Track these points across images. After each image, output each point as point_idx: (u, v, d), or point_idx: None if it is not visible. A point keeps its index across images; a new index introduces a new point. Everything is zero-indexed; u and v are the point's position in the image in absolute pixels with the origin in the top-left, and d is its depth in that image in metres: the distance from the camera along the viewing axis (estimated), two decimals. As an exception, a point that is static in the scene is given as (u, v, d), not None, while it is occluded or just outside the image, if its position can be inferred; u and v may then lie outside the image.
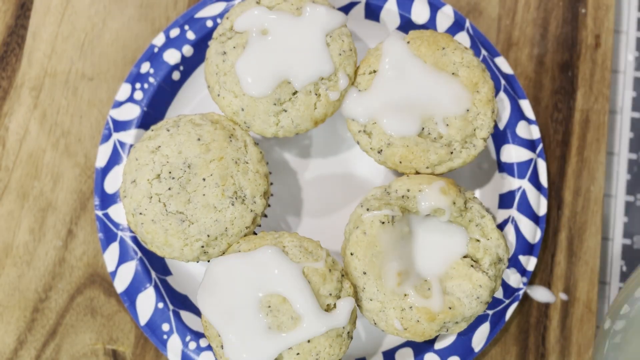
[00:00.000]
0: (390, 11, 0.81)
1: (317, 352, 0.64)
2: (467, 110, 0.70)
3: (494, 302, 0.75)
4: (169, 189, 0.68)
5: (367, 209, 0.68)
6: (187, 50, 0.80)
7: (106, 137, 0.78)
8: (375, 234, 0.67)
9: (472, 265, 0.69)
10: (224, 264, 0.66)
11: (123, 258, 0.76)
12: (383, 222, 0.67)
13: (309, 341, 0.64)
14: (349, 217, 0.71)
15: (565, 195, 0.82)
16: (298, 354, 0.64)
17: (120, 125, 0.78)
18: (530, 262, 0.76)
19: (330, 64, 0.71)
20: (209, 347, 0.74)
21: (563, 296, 0.80)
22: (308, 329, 0.63)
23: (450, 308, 0.67)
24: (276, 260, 0.64)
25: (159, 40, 0.80)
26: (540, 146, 0.79)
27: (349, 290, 0.67)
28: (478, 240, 0.70)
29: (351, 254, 0.68)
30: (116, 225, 0.77)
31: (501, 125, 0.79)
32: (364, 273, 0.67)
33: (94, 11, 0.85)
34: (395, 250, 0.68)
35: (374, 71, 0.72)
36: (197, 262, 0.72)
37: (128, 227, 0.76)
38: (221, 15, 0.79)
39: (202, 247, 0.68)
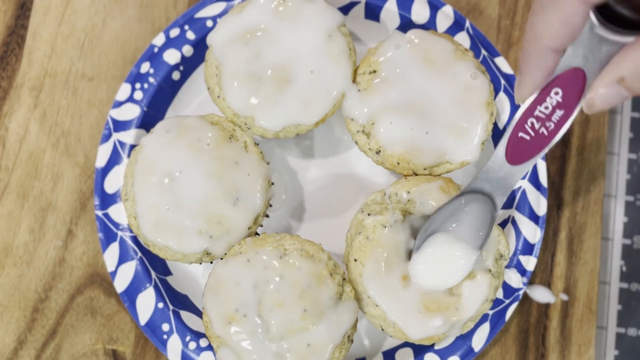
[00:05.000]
0: (390, 11, 0.80)
1: (317, 356, 0.64)
2: (466, 111, 0.70)
3: (494, 302, 0.75)
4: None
5: (368, 214, 0.68)
6: (187, 50, 0.79)
7: (106, 137, 0.78)
8: (378, 238, 0.67)
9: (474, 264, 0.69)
10: (227, 267, 0.66)
11: (123, 258, 0.76)
12: (385, 226, 0.67)
13: (308, 345, 0.63)
14: (350, 223, 0.70)
15: (565, 195, 0.82)
16: (298, 357, 0.64)
17: (120, 125, 0.78)
18: (530, 262, 0.76)
19: (330, 64, 0.70)
20: (209, 347, 0.74)
21: (563, 296, 0.80)
22: (309, 335, 0.63)
23: (457, 309, 0.67)
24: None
25: (159, 40, 0.79)
26: (540, 146, 0.79)
27: (350, 294, 0.66)
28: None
29: (355, 260, 0.68)
30: (116, 225, 0.77)
31: (501, 125, 0.79)
32: (369, 278, 0.67)
33: (94, 11, 0.85)
34: (399, 253, 0.67)
35: (374, 71, 0.72)
36: (200, 263, 0.72)
37: (128, 227, 0.76)
38: (221, 15, 0.79)
39: (205, 248, 0.68)
